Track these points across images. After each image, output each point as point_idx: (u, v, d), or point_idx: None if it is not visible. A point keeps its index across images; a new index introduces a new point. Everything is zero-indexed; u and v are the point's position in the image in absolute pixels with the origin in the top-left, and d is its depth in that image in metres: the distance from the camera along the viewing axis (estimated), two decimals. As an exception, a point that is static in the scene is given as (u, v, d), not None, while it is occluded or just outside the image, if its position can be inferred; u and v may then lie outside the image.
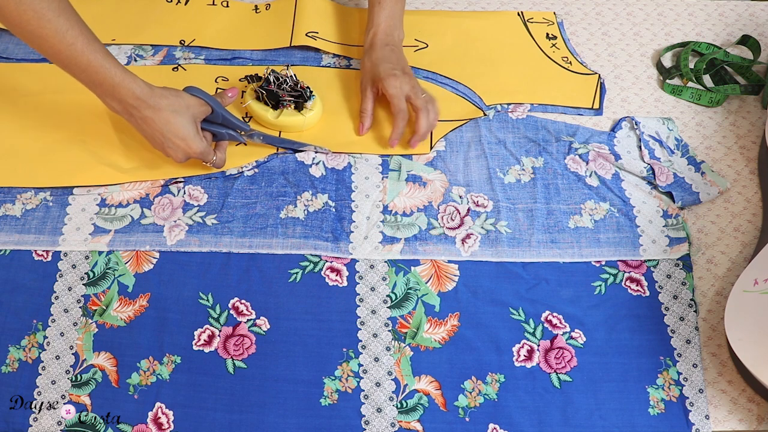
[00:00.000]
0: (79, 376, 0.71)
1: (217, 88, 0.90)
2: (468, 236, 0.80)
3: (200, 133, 0.78)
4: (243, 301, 0.76)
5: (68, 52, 0.69)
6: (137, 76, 0.74)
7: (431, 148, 0.86)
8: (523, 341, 0.74)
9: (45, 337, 0.73)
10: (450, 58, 0.95)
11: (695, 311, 0.76)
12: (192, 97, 0.77)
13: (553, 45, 0.97)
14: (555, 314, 0.76)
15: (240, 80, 0.90)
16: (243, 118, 0.88)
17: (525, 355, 0.73)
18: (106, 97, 0.74)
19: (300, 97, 0.85)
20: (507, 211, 0.82)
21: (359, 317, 0.75)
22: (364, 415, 0.70)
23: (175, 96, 0.76)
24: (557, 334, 0.75)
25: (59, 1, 0.68)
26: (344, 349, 0.73)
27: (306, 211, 0.81)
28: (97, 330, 0.74)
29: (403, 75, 0.84)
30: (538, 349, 0.74)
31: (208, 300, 0.76)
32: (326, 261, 0.78)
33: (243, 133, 0.83)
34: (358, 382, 0.72)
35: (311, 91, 0.86)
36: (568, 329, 0.75)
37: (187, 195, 0.82)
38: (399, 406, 0.71)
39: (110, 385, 0.71)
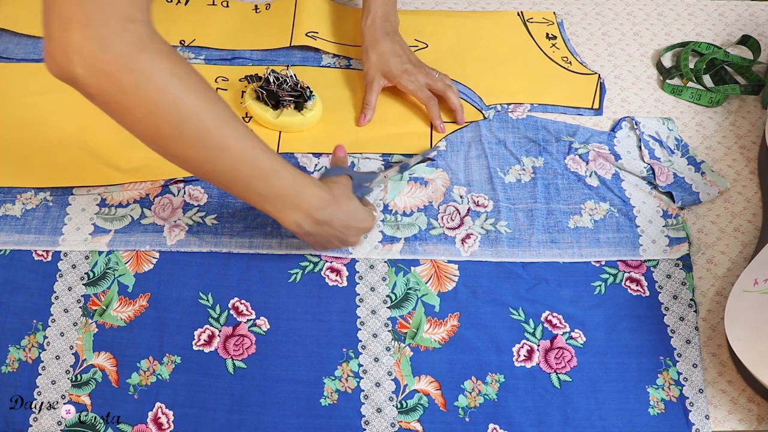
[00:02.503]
0: (79, 376, 0.71)
1: (216, 88, 0.90)
2: (468, 236, 0.80)
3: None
4: (243, 301, 0.76)
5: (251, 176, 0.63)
6: (311, 177, 0.68)
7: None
8: (523, 341, 0.74)
9: (45, 337, 0.73)
10: (450, 58, 0.95)
11: (695, 311, 0.76)
12: (341, 176, 0.72)
13: (553, 45, 0.97)
14: (555, 314, 0.76)
15: (240, 80, 0.90)
16: (243, 118, 0.88)
17: (525, 355, 0.73)
18: (287, 210, 0.66)
19: (300, 97, 0.85)
20: (507, 211, 0.81)
21: (359, 317, 0.75)
22: (364, 415, 0.70)
23: (334, 183, 0.70)
24: (557, 334, 0.74)
25: (244, 127, 0.61)
26: (344, 349, 0.73)
27: (306, 211, 0.81)
28: (97, 330, 0.74)
29: (414, 67, 0.86)
30: (537, 349, 0.74)
31: (208, 300, 0.76)
32: (326, 261, 0.78)
33: (369, 184, 0.77)
34: (358, 382, 0.72)
35: (311, 91, 0.86)
36: (568, 329, 0.75)
37: (187, 195, 0.82)
38: (399, 406, 0.71)
39: (110, 385, 0.71)
